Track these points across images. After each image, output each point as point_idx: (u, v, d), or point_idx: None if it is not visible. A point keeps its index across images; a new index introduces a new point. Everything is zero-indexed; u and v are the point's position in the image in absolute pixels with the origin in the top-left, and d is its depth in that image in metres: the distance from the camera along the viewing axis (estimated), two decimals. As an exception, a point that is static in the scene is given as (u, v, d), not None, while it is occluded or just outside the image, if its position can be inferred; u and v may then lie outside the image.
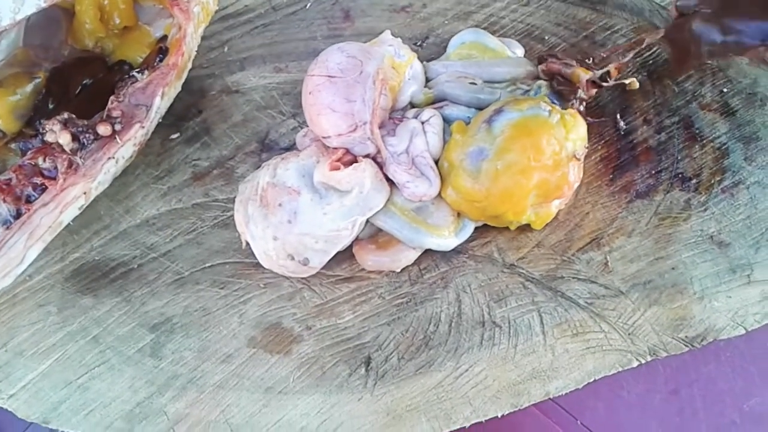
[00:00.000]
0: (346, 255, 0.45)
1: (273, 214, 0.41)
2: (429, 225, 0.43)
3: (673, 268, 0.45)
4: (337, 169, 0.41)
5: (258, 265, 0.45)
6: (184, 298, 0.44)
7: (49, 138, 0.40)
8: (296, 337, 0.43)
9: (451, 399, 0.42)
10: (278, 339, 0.43)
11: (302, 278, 0.45)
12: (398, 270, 0.45)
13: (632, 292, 0.45)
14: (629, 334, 0.43)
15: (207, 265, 0.45)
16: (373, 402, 0.42)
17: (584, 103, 0.45)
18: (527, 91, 0.46)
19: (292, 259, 0.42)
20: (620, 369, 0.43)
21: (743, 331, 0.44)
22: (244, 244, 0.43)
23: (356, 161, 0.42)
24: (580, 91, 0.45)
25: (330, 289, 0.45)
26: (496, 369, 0.43)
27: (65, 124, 0.40)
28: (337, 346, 0.43)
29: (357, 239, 0.45)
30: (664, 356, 0.43)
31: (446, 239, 0.44)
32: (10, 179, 0.40)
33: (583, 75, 0.45)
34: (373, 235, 0.45)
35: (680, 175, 0.48)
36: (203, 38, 0.48)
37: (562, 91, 0.46)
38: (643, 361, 0.43)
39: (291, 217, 0.41)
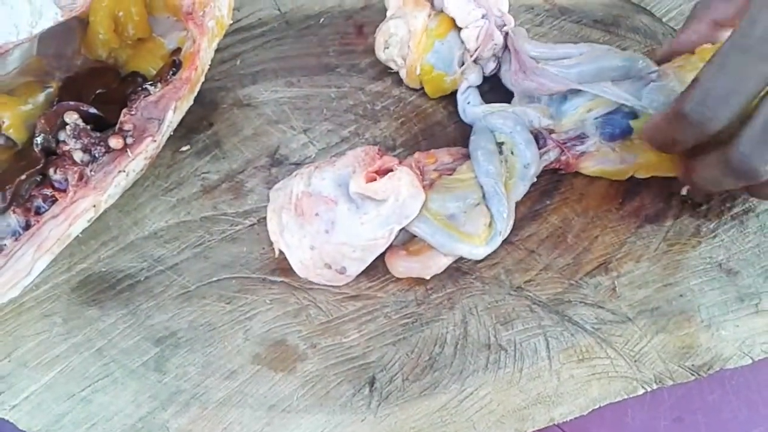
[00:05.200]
0: (352, 272, 0.45)
1: (309, 223, 0.41)
2: (461, 232, 0.43)
3: (681, 295, 0.45)
4: (373, 180, 0.41)
5: (264, 280, 0.45)
6: (189, 312, 0.44)
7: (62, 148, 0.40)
8: (301, 354, 0.43)
9: (455, 422, 0.42)
10: (283, 356, 0.43)
11: (309, 295, 0.45)
12: (428, 277, 0.44)
13: (639, 319, 0.44)
14: (635, 361, 0.43)
15: (213, 279, 0.45)
16: (377, 423, 0.42)
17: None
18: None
19: (329, 268, 0.42)
20: (626, 396, 0.43)
21: (750, 361, 0.44)
22: (277, 252, 0.43)
23: (392, 170, 0.42)
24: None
25: (336, 306, 0.45)
26: (500, 393, 0.42)
27: (78, 136, 0.40)
28: (342, 365, 0.43)
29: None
30: (670, 384, 0.43)
31: (477, 247, 0.43)
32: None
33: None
34: (405, 242, 0.45)
35: (690, 201, 0.48)
36: (216, 51, 0.48)
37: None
38: (649, 389, 0.43)
39: (328, 227, 0.41)
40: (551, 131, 0.46)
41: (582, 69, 0.45)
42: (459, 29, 0.48)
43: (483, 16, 0.47)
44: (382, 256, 0.44)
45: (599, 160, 0.47)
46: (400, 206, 0.41)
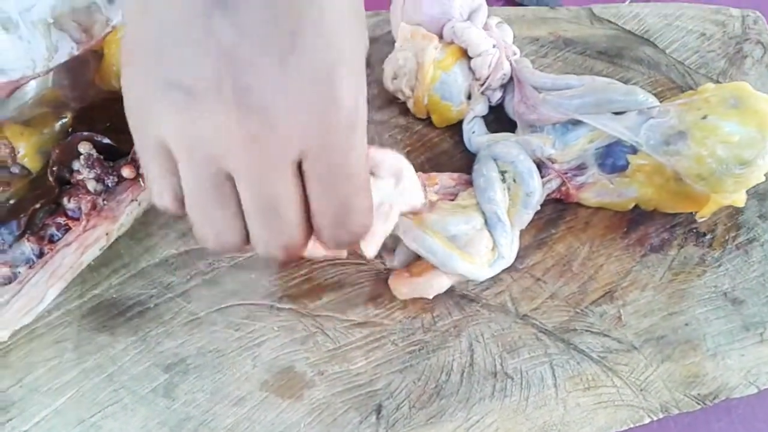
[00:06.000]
0: (360, 300, 0.46)
1: None
2: (462, 252, 0.43)
3: (686, 324, 0.45)
4: None
5: (272, 307, 0.46)
6: (198, 338, 0.45)
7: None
8: (308, 382, 0.44)
9: (462, 450, 0.42)
10: (290, 383, 0.44)
11: (316, 322, 0.45)
12: (430, 297, 0.45)
13: (645, 347, 0.45)
14: (641, 389, 0.43)
15: (222, 306, 0.46)
16: (384, 451, 0.42)
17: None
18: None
19: None
20: (632, 425, 0.43)
21: (756, 390, 0.44)
22: None
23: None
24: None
25: (343, 333, 0.45)
26: (507, 421, 0.43)
27: (91, 166, 0.41)
28: (349, 392, 0.43)
29: (391, 270, 0.46)
30: (675, 413, 0.43)
31: (479, 268, 0.44)
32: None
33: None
34: (407, 264, 0.46)
35: (695, 230, 0.49)
36: (227, 81, 0.49)
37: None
38: (655, 418, 0.43)
39: None
40: (553, 161, 0.47)
41: (583, 100, 0.45)
42: (467, 60, 0.49)
43: (494, 46, 0.48)
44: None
45: (597, 192, 0.47)
46: (399, 190, 0.40)
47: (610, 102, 0.45)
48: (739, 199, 0.45)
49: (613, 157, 0.46)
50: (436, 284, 0.44)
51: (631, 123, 0.45)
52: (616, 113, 0.45)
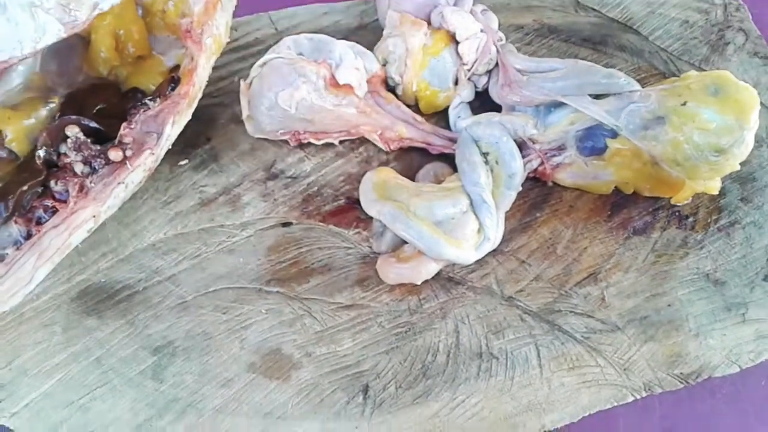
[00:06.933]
0: (347, 282, 0.46)
1: None
2: (449, 237, 0.44)
3: (669, 305, 0.46)
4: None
5: (260, 290, 0.46)
6: (186, 321, 0.45)
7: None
8: (296, 363, 0.44)
9: (448, 430, 0.42)
10: (278, 365, 0.44)
11: (304, 305, 0.45)
12: (419, 282, 0.45)
13: (628, 328, 0.45)
14: (625, 369, 0.44)
15: (210, 289, 0.46)
16: (370, 431, 0.42)
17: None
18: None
19: None
20: (615, 404, 0.43)
21: (737, 369, 0.44)
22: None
23: None
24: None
25: (330, 316, 0.45)
26: (492, 401, 0.43)
27: (78, 149, 0.41)
28: (336, 373, 0.44)
29: (380, 255, 0.47)
30: (659, 392, 0.44)
31: (466, 251, 0.44)
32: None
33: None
34: (395, 249, 0.46)
35: (677, 213, 0.49)
36: (214, 68, 0.49)
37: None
38: (638, 397, 0.43)
39: None
40: (534, 141, 0.47)
41: (565, 83, 0.46)
42: (455, 45, 0.50)
43: (481, 30, 0.49)
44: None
45: (573, 173, 0.48)
46: None
47: (592, 84, 0.46)
48: (713, 186, 0.46)
49: (592, 140, 0.47)
50: (424, 270, 0.45)
51: (612, 107, 0.45)
52: (599, 97, 0.46)
